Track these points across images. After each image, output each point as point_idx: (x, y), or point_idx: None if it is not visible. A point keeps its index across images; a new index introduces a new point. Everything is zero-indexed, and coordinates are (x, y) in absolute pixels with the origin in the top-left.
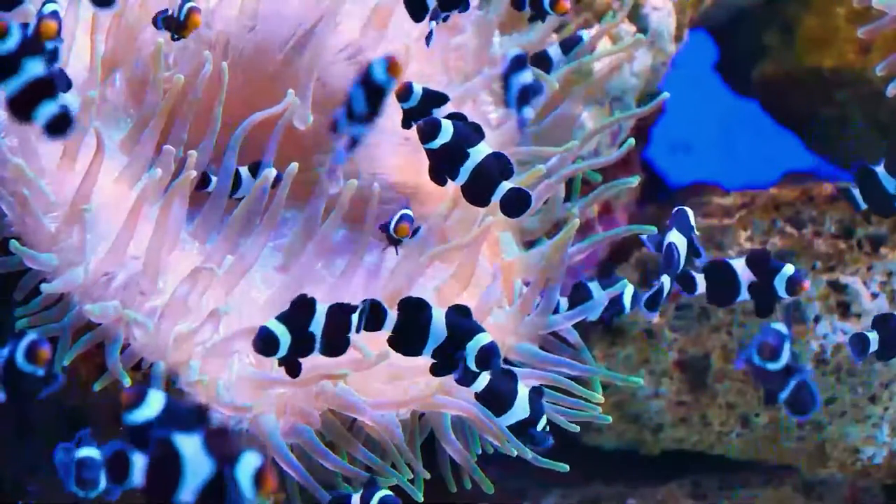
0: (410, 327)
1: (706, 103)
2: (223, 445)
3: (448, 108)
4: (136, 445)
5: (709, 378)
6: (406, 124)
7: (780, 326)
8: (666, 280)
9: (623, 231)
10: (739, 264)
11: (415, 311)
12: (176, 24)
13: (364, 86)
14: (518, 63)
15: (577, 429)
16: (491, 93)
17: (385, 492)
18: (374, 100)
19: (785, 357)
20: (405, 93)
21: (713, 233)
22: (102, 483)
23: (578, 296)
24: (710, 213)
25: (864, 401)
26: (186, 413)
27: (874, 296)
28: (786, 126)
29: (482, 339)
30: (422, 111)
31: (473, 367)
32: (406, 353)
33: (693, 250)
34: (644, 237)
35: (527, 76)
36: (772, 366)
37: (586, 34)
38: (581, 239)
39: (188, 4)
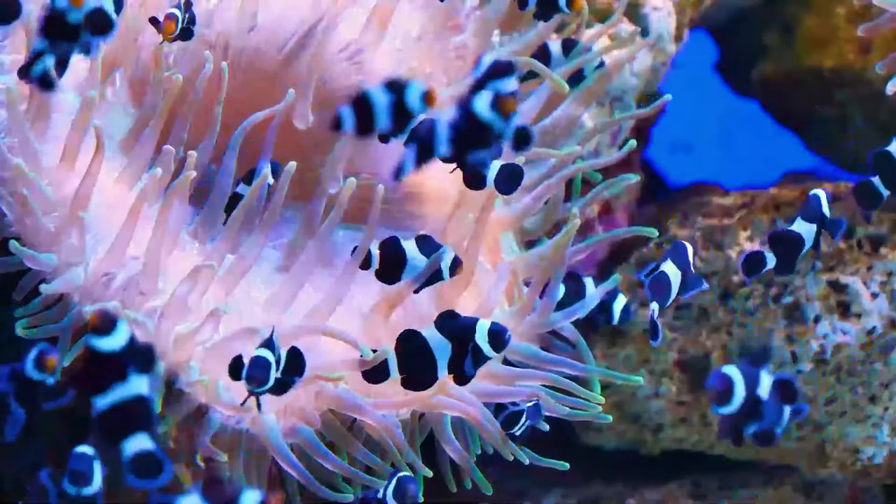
0: (415, 361)
1: (706, 103)
2: (220, 494)
3: None
4: (91, 368)
5: None
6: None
7: (731, 370)
8: (655, 307)
9: (623, 232)
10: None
11: (410, 343)
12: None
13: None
14: (498, 70)
15: (567, 410)
16: None
17: (404, 472)
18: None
19: (738, 400)
20: None
21: (713, 233)
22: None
23: (572, 288)
24: (710, 213)
25: (864, 401)
26: (141, 350)
27: (874, 296)
28: (786, 126)
29: (484, 325)
30: None
31: (490, 353)
32: (426, 386)
33: (687, 284)
34: (641, 275)
35: (509, 85)
36: (725, 410)
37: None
38: (581, 239)
39: (167, 11)
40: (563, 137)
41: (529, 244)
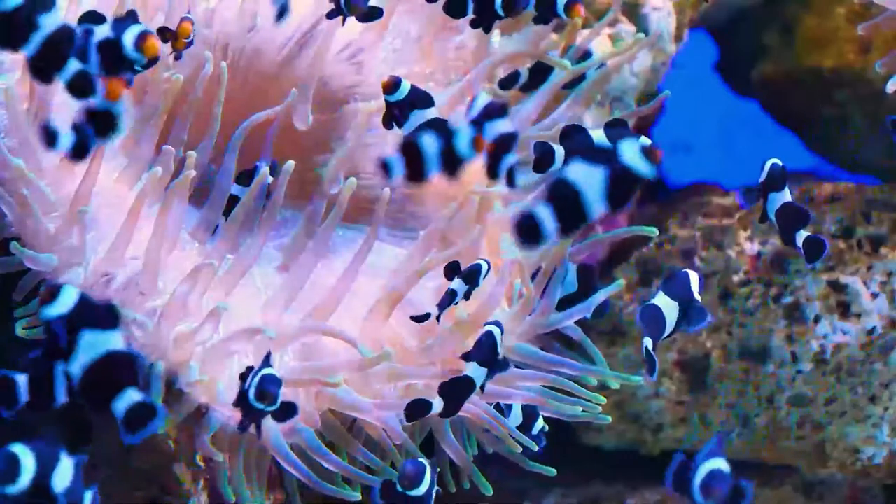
0: (456, 399)
1: (706, 103)
2: None
3: (433, 112)
4: (51, 339)
5: (709, 378)
6: (387, 119)
7: (721, 464)
8: (648, 343)
9: (623, 232)
10: None
11: (458, 387)
12: (171, 36)
13: None
14: (492, 112)
15: (578, 410)
16: (490, 90)
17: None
18: None
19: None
20: (392, 86)
21: (713, 233)
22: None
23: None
24: (710, 213)
25: (864, 401)
26: (100, 309)
27: (874, 296)
28: (786, 126)
29: (493, 333)
30: (407, 106)
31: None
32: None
33: (692, 316)
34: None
35: (503, 125)
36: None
37: (593, 49)
38: (581, 239)
39: (183, 15)
40: None
41: None
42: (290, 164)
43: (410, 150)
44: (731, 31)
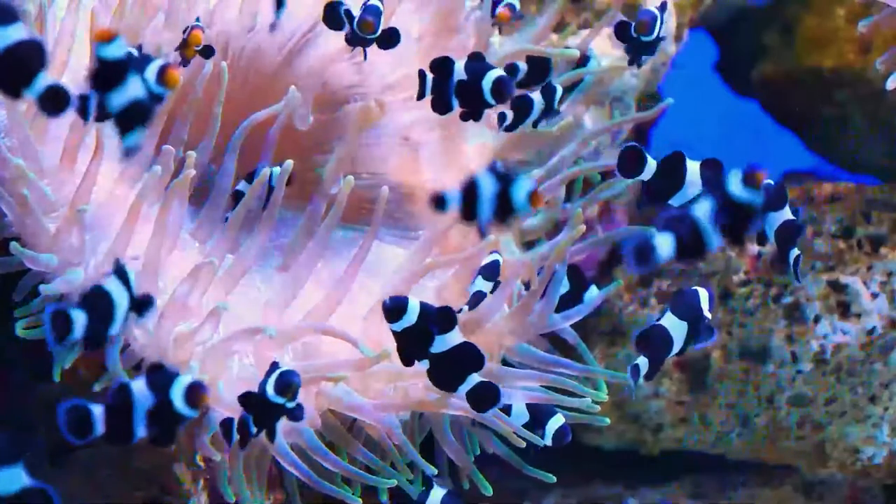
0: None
1: (706, 103)
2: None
3: None
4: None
5: (709, 378)
6: None
7: None
8: (643, 362)
9: (623, 232)
10: None
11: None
12: (181, 43)
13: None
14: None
15: (588, 401)
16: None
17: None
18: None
19: None
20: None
21: None
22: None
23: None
24: None
25: (864, 401)
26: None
27: (874, 296)
28: (786, 126)
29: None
30: None
31: None
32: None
33: (699, 333)
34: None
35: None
36: None
37: (593, 49)
38: (581, 239)
39: (192, 24)
40: (564, 139)
41: (529, 245)
42: (289, 164)
43: (469, 191)
44: (731, 31)
